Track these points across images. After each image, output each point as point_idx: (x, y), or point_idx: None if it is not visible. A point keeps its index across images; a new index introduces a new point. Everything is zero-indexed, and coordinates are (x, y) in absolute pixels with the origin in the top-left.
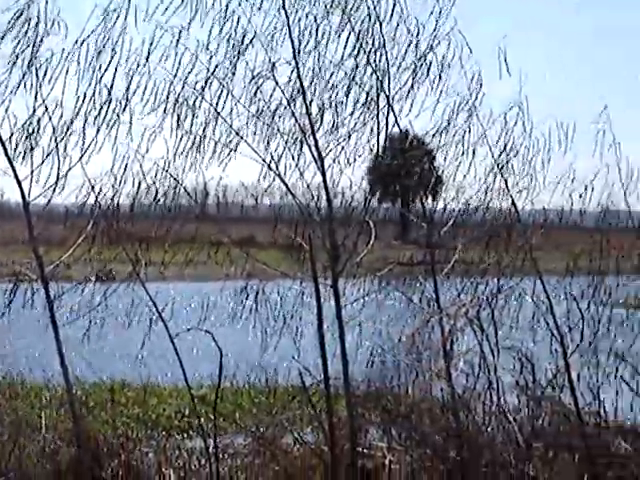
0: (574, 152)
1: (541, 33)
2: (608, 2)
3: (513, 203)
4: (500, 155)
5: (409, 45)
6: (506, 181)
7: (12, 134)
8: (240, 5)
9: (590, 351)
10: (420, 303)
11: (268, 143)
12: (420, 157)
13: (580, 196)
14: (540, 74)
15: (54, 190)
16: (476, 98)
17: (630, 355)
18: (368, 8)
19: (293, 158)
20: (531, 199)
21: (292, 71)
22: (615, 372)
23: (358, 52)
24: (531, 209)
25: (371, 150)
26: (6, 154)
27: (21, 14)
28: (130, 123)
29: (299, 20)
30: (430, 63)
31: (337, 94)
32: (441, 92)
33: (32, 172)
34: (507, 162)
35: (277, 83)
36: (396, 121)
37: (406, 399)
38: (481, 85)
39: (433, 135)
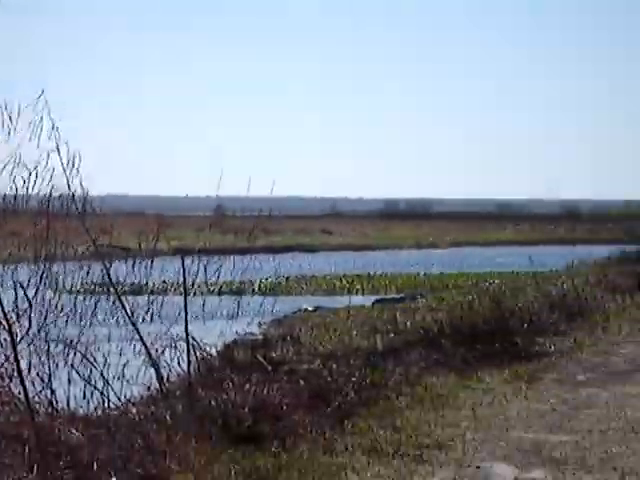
0: (19, 137)
1: None
2: None
3: None
4: None
5: None
6: None
7: None
8: None
9: (40, 339)
10: None
11: None
12: None
13: (25, 181)
14: None
15: None
16: None
17: (81, 343)
18: None
19: None
20: None
21: None
22: (66, 360)
23: None
24: None
25: None
26: None
27: None
28: None
29: None
30: None
31: None
32: None
33: None
34: None
35: None
36: None
37: None
38: None
39: None
